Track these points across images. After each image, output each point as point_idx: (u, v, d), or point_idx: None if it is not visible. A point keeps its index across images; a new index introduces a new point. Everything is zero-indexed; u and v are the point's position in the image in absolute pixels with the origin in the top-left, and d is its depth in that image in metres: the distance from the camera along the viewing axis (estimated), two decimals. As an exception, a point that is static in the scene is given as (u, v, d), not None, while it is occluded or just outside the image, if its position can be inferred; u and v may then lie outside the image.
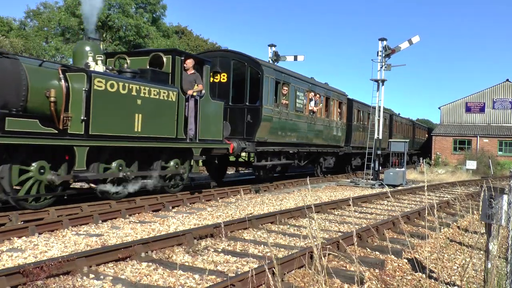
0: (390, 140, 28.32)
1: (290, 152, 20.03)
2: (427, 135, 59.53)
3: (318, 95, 22.10)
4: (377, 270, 6.68)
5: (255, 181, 18.52)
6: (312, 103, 21.49)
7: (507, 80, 49.65)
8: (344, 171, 29.07)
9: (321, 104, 22.49)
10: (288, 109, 18.71)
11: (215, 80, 16.78)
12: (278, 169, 20.96)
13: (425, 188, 5.77)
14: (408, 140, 30.17)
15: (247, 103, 16.69)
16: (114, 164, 11.55)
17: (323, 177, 25.12)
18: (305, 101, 20.68)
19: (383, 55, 25.23)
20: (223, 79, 16.96)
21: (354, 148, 28.26)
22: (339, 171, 28.81)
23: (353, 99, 28.33)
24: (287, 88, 18.65)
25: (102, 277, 5.88)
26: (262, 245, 8.02)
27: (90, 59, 11.26)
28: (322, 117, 22.80)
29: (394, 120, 43.75)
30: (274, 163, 18.80)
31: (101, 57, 11.41)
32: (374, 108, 25.41)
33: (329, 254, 6.99)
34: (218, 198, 14.37)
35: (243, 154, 19.04)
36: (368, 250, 7.96)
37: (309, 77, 22.42)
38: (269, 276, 4.38)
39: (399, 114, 47.14)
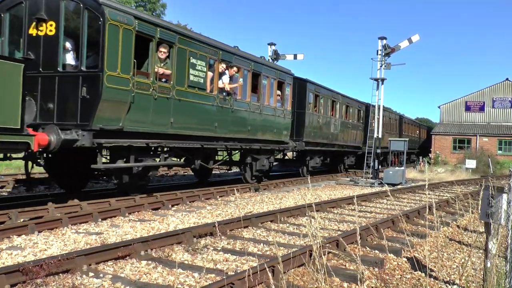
0: (390, 139, 28.25)
1: (185, 147, 13.93)
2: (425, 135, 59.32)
3: (236, 69, 15.84)
4: (376, 269, 6.68)
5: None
6: (226, 78, 15.25)
7: (507, 79, 49.65)
8: (299, 175, 23.33)
9: (241, 80, 16.08)
10: (171, 82, 12.73)
11: (39, 32, 10.95)
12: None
13: (426, 187, 5.77)
14: (407, 139, 30.11)
15: (82, 68, 10.69)
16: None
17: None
18: (211, 74, 14.56)
19: (383, 54, 25.27)
20: (50, 31, 10.88)
21: (311, 145, 22.89)
22: (291, 175, 23.75)
23: (309, 80, 22.58)
24: (166, 50, 12.47)
25: (101, 275, 5.88)
26: (262, 244, 8.02)
27: None
28: (246, 99, 16.57)
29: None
30: (134, 165, 12.00)
31: None
32: (365, 103, 24.80)
33: (328, 253, 6.99)
34: (218, 197, 14.36)
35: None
36: (368, 249, 7.96)
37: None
38: (269, 274, 4.38)
39: (403, 114, 46.60)
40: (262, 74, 17.50)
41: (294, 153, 24.74)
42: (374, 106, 26.31)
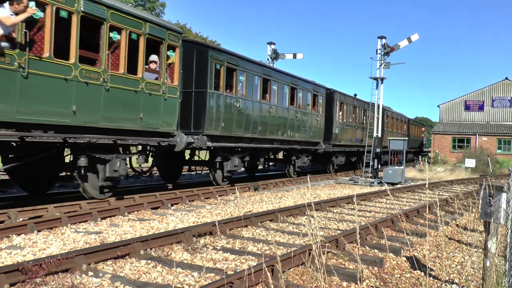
0: (389, 138, 28.24)
1: None
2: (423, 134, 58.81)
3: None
4: (376, 268, 6.68)
5: None
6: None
7: (506, 78, 49.64)
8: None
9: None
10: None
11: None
12: None
13: (427, 186, 5.77)
14: (407, 138, 30.07)
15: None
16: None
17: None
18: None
19: (382, 53, 25.25)
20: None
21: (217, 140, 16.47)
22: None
23: (216, 48, 16.79)
24: None
25: (101, 274, 5.88)
26: (261, 243, 8.02)
27: None
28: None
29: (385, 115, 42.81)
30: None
31: None
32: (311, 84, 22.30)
33: (328, 252, 6.99)
34: (217, 196, 14.37)
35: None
36: (367, 248, 7.96)
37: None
38: (268, 274, 4.38)
39: (389, 108, 40.81)
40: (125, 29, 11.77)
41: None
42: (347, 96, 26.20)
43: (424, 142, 61.43)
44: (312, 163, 26.55)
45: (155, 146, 13.21)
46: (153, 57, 12.58)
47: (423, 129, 61.02)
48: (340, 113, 26.20)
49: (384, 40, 25.29)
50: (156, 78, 12.50)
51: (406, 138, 29.06)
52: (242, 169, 19.88)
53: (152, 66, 12.58)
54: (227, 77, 15.68)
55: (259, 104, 17.68)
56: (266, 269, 4.44)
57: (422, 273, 6.55)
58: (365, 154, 26.47)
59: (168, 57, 12.97)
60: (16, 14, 8.79)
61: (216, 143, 15.12)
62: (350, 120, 27.99)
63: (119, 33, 11.26)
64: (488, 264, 5.22)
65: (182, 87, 13.66)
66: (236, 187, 15.81)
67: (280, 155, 24.19)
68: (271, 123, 18.59)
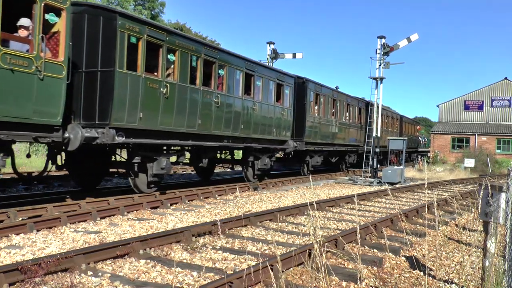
0: (388, 138, 28.22)
1: None
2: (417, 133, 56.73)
3: None
4: (375, 268, 6.68)
5: None
6: None
7: (506, 78, 49.66)
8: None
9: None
10: None
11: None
12: None
13: (425, 185, 5.77)
14: (406, 138, 29.96)
15: None
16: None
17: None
18: None
19: (382, 53, 25.26)
20: None
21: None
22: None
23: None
24: None
25: (100, 274, 5.88)
26: (261, 243, 8.02)
27: None
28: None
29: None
30: None
31: None
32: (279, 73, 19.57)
33: (327, 252, 6.99)
34: (217, 196, 14.36)
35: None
36: (366, 247, 7.96)
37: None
38: (269, 273, 4.38)
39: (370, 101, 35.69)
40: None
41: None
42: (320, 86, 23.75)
43: (424, 142, 60.71)
44: (284, 164, 24.67)
45: (48, 143, 10.52)
46: (23, 21, 9.51)
47: (418, 127, 58.26)
48: (316, 107, 23.26)
49: (383, 40, 25.30)
50: (28, 51, 9.34)
51: (406, 138, 28.90)
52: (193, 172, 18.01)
53: (22, 33, 9.48)
54: (150, 55, 12.26)
55: (198, 91, 14.14)
56: (267, 268, 4.44)
57: (421, 273, 6.55)
58: (365, 153, 26.46)
59: (48, 23, 9.84)
60: None
61: (132, 139, 11.89)
62: (331, 115, 25.24)
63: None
64: (487, 264, 5.22)
65: (83, 66, 11.30)
66: (236, 187, 15.82)
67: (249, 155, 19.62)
68: (217, 116, 15.08)
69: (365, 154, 26.42)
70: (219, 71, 15.34)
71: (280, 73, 19.83)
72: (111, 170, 14.67)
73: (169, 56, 13.00)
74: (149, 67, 12.47)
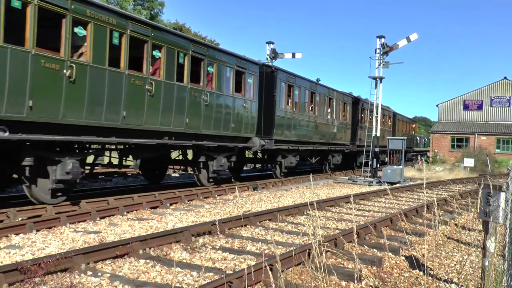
0: (388, 138, 28.18)
1: None
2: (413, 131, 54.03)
3: None
4: (374, 268, 6.68)
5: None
6: None
7: (505, 77, 49.64)
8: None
9: None
10: None
11: None
12: None
13: (424, 185, 5.77)
14: (406, 138, 29.86)
15: None
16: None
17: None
18: None
19: (381, 52, 25.25)
20: None
21: None
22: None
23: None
24: None
25: (100, 274, 5.88)
26: (260, 242, 8.02)
27: None
28: None
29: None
30: None
31: None
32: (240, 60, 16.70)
33: (327, 252, 6.99)
34: (216, 195, 14.36)
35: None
36: (366, 247, 7.97)
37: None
38: (268, 273, 4.38)
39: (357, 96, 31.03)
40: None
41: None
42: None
43: (424, 142, 60.23)
44: (254, 164, 23.01)
45: None
46: None
47: (414, 125, 54.71)
48: (290, 100, 20.59)
49: (383, 40, 25.29)
50: None
51: (405, 138, 28.81)
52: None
53: None
54: (43, 27, 9.71)
55: (123, 76, 11.44)
56: (266, 268, 4.44)
57: (421, 273, 6.55)
58: (364, 153, 26.45)
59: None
60: None
61: (20, 135, 9.20)
62: (308, 110, 22.57)
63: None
64: (486, 263, 5.22)
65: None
66: (236, 186, 15.81)
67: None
68: (151, 107, 12.36)
69: (364, 154, 26.40)
70: (154, 53, 12.62)
71: (241, 59, 16.98)
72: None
73: (78, 30, 10.35)
74: (44, 41, 10.13)
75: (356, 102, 29.63)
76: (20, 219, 9.09)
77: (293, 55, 27.79)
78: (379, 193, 16.17)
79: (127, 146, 13.21)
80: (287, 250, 6.95)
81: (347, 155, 28.78)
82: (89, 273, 5.90)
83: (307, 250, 6.45)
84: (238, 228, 9.16)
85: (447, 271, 6.95)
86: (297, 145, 21.32)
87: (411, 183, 22.88)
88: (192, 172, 17.08)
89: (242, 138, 17.32)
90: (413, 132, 50.24)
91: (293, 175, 22.28)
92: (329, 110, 25.24)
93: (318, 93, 23.38)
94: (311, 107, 23.13)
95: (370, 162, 25.52)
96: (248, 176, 22.41)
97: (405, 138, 28.47)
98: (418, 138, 58.00)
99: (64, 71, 9.91)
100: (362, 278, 6.07)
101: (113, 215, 10.27)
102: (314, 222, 7.69)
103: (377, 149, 25.43)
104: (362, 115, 30.23)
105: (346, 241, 7.71)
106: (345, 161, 29.03)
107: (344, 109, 27.75)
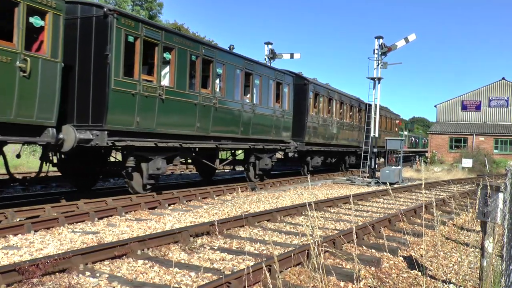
0: (386, 138, 28.16)
1: None
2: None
3: None
4: (373, 268, 6.68)
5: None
6: None
7: (503, 78, 49.72)
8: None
9: None
10: None
11: None
12: None
13: (422, 186, 5.77)
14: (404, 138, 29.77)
15: None
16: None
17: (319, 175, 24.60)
18: None
19: (379, 53, 25.27)
20: None
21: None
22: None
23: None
24: None
25: (98, 274, 5.87)
26: (259, 243, 8.02)
27: None
28: None
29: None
30: None
31: None
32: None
33: (325, 252, 6.99)
34: (214, 196, 14.35)
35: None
36: (364, 248, 7.97)
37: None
38: (266, 274, 4.38)
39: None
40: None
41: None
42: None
43: (424, 142, 59.31)
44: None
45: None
46: None
47: (398, 121, 44.64)
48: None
49: (381, 40, 25.30)
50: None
51: (404, 138, 28.73)
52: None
53: None
54: None
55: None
56: (264, 269, 4.44)
57: (419, 273, 6.55)
58: (363, 153, 26.46)
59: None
60: None
61: None
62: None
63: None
64: (485, 264, 5.23)
65: None
66: (235, 187, 15.82)
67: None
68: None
69: (363, 154, 26.42)
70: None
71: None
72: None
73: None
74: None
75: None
76: (18, 219, 9.07)
77: (292, 56, 27.81)
78: (377, 194, 16.18)
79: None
80: (286, 251, 6.95)
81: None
82: (88, 273, 5.89)
83: (306, 251, 6.46)
84: (236, 229, 9.16)
85: (445, 271, 6.96)
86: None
87: (410, 183, 22.89)
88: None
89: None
90: (396, 129, 42.39)
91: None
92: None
93: (240, 68, 18.61)
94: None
95: (368, 163, 25.53)
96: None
97: (404, 138, 28.43)
98: (416, 138, 57.12)
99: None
100: (360, 278, 6.07)
101: (111, 216, 10.26)
102: (312, 223, 7.70)
103: (375, 150, 25.44)
104: (322, 105, 26.12)
105: (344, 242, 7.71)
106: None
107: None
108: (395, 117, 41.64)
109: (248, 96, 17.64)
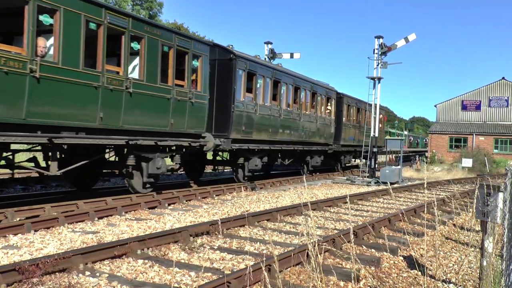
0: (386, 138, 28.17)
1: None
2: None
3: None
4: (373, 268, 6.69)
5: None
6: None
7: (503, 78, 49.69)
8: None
9: None
10: None
11: None
12: None
13: (425, 185, 5.77)
14: (403, 138, 29.75)
15: None
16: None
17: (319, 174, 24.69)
18: None
19: (379, 53, 25.26)
20: None
21: None
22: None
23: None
24: None
25: (98, 274, 5.87)
26: (258, 243, 8.02)
27: None
28: None
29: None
30: None
31: None
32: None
33: (325, 252, 7.00)
34: (214, 196, 14.35)
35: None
36: (364, 247, 7.97)
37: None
38: (266, 273, 4.38)
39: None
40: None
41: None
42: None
43: (425, 142, 58.89)
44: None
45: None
46: None
47: (382, 116, 33.63)
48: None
49: (381, 40, 25.29)
50: None
51: (403, 138, 28.71)
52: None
53: None
54: None
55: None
56: (264, 268, 4.44)
57: (419, 273, 6.56)
58: (362, 152, 26.45)
59: None
60: None
61: None
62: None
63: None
64: (485, 263, 5.23)
65: None
66: (234, 187, 15.82)
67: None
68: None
69: (362, 153, 26.40)
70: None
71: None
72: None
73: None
74: None
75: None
76: (18, 219, 9.07)
77: (292, 55, 27.81)
78: (377, 193, 16.19)
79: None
80: (286, 250, 6.96)
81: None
82: (87, 273, 5.89)
83: (306, 250, 6.46)
84: (236, 228, 9.16)
85: (445, 271, 6.96)
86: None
87: (409, 183, 22.89)
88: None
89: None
90: (380, 125, 32.68)
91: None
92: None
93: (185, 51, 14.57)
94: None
95: (368, 163, 25.53)
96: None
97: (403, 138, 28.40)
98: (425, 140, 56.55)
99: None
100: (360, 278, 6.07)
101: (111, 215, 10.26)
102: (311, 222, 7.70)
103: (375, 149, 25.44)
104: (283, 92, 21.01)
105: (344, 241, 7.71)
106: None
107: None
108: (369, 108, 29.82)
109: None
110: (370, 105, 26.06)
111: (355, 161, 32.89)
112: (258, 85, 17.64)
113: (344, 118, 27.32)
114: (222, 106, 15.91)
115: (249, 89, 17.35)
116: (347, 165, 30.20)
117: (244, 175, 18.15)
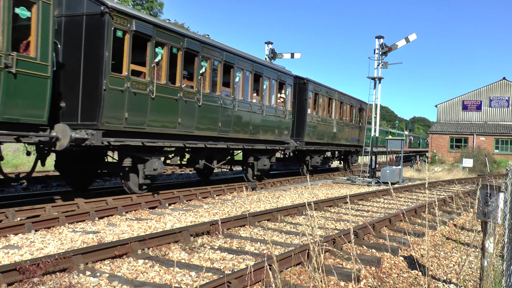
0: (387, 138, 28.15)
1: None
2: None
3: None
4: (373, 268, 6.68)
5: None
6: None
7: (504, 78, 49.66)
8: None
9: None
10: None
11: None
12: None
13: (426, 185, 5.77)
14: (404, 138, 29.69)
15: None
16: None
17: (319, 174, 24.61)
18: None
19: (380, 53, 25.26)
20: None
21: None
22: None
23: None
24: None
25: (98, 274, 5.87)
26: (259, 243, 8.02)
27: None
28: None
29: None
30: None
31: None
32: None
33: (325, 252, 6.99)
34: (215, 195, 14.35)
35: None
36: (365, 247, 7.97)
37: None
38: (268, 273, 4.38)
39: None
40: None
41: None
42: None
43: (427, 142, 59.29)
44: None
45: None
46: None
47: (365, 111, 31.59)
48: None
49: (382, 40, 25.30)
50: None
51: (403, 138, 28.68)
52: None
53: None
54: None
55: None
56: (264, 268, 4.44)
57: (420, 273, 6.55)
58: (363, 152, 26.45)
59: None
60: None
61: None
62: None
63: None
64: (485, 263, 5.23)
65: None
66: (235, 186, 15.81)
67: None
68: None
69: (363, 153, 26.40)
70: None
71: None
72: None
73: None
74: None
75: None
76: (18, 219, 9.08)
77: (292, 55, 27.80)
78: (377, 194, 16.18)
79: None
80: (286, 250, 6.95)
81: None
82: (88, 273, 5.89)
83: (306, 251, 6.46)
84: (236, 228, 9.16)
85: (446, 271, 6.96)
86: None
87: (410, 183, 22.89)
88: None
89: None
90: (360, 122, 31.02)
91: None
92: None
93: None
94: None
95: (369, 163, 25.53)
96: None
97: (403, 138, 28.34)
98: (427, 141, 56.53)
99: None
100: (361, 278, 6.07)
101: (111, 215, 10.26)
102: (312, 222, 7.70)
103: (375, 149, 25.43)
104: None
105: (344, 242, 7.71)
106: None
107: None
108: (357, 103, 29.95)
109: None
110: (348, 95, 25.49)
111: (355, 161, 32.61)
112: (157, 59, 12.59)
113: (309, 110, 22.13)
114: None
115: (141, 63, 12.24)
116: (318, 168, 26.15)
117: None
